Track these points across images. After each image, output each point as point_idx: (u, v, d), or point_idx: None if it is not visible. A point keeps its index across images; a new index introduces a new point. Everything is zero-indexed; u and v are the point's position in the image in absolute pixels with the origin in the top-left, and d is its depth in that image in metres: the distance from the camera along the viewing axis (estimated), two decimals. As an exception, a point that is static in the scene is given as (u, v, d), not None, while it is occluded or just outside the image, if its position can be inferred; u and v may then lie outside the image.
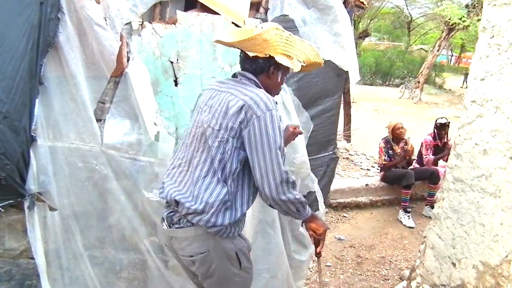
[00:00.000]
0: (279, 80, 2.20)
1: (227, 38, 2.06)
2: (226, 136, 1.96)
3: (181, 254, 2.14)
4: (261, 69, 2.12)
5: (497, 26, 2.57)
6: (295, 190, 2.05)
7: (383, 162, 6.22)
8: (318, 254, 2.37)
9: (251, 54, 2.05)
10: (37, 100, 2.27)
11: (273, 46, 2.02)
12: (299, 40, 2.12)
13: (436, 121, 6.41)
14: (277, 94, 2.31)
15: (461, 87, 30.29)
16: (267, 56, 2.04)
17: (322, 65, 2.32)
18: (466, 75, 30.66)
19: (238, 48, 2.16)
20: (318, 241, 2.30)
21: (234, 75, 2.22)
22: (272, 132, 1.94)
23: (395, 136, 6.22)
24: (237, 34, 2.07)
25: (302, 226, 3.27)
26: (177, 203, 2.06)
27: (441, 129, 6.29)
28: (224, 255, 2.07)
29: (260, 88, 2.09)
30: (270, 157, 1.93)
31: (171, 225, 2.13)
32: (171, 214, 2.13)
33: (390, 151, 6.22)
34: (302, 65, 2.13)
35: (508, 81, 2.47)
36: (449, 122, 6.33)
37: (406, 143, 6.28)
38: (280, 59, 2.04)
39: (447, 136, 6.39)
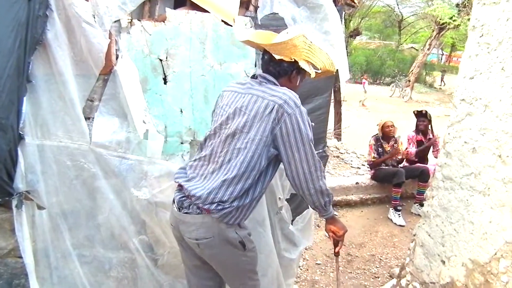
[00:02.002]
0: (297, 84, 2.33)
1: (257, 40, 2.21)
2: (258, 137, 2.09)
3: (187, 237, 2.23)
4: (285, 72, 2.25)
5: (486, 25, 2.58)
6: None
7: (372, 159, 6.23)
8: (336, 254, 2.54)
9: (277, 57, 2.17)
10: (25, 98, 2.24)
11: (299, 51, 2.16)
12: (318, 49, 2.26)
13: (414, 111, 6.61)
14: None
15: (440, 85, 30.57)
16: (292, 60, 2.17)
17: (334, 73, 2.48)
18: (443, 72, 31.04)
19: (259, 49, 2.34)
20: (337, 242, 2.46)
21: (253, 76, 2.32)
22: (304, 127, 2.10)
23: (384, 134, 6.26)
24: (265, 37, 2.21)
25: (291, 225, 3.28)
26: (191, 194, 2.15)
27: (420, 117, 6.46)
28: (227, 242, 2.18)
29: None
30: (304, 150, 2.10)
31: (181, 209, 2.22)
32: (182, 198, 2.22)
33: (380, 149, 6.25)
34: (316, 72, 2.25)
35: (497, 79, 2.48)
36: (426, 112, 6.50)
37: (396, 142, 6.31)
38: (303, 64, 2.18)
39: (432, 132, 6.47)
